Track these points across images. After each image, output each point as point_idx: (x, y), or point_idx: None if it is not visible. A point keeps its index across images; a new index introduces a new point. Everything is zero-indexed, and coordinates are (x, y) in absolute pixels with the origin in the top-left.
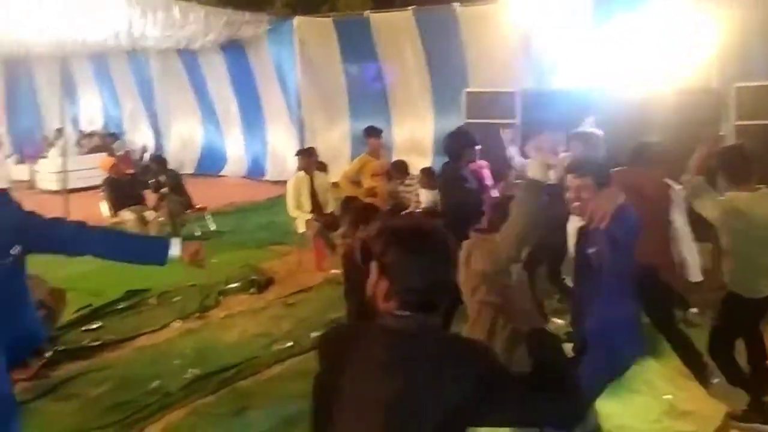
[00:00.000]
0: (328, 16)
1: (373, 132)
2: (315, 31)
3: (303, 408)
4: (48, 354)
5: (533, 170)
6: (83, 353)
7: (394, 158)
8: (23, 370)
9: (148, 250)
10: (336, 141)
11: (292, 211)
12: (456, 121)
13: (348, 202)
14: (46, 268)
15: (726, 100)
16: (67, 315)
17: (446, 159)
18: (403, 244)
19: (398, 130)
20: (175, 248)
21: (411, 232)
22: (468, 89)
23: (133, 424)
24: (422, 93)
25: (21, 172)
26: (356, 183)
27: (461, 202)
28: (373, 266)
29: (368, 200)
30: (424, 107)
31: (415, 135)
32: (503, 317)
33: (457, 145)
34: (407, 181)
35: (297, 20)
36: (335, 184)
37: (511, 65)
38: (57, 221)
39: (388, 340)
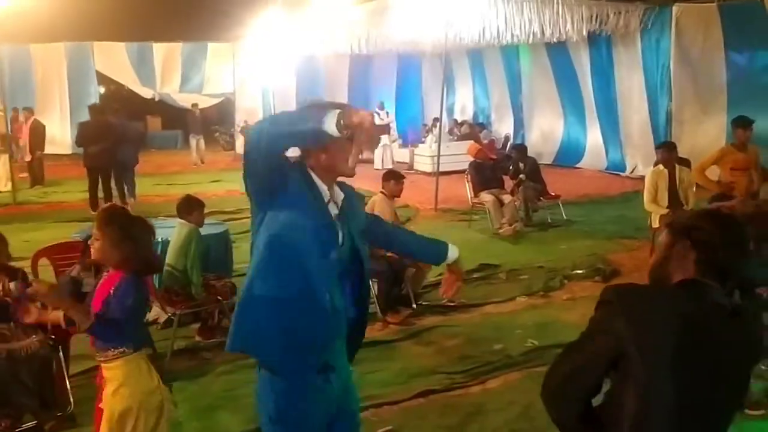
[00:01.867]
0: (713, 2)
1: (741, 122)
2: (696, 19)
3: None
4: (414, 306)
5: None
6: (441, 310)
7: None
8: (395, 315)
9: (432, 250)
10: (709, 135)
11: (647, 205)
12: None
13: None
14: None
15: None
16: (431, 277)
17: None
18: None
19: None
20: (453, 253)
21: None
22: None
23: (477, 375)
24: None
25: (403, 154)
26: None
27: None
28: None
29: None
30: None
31: None
32: None
33: None
34: None
35: (677, 7)
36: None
37: None
38: (378, 219)
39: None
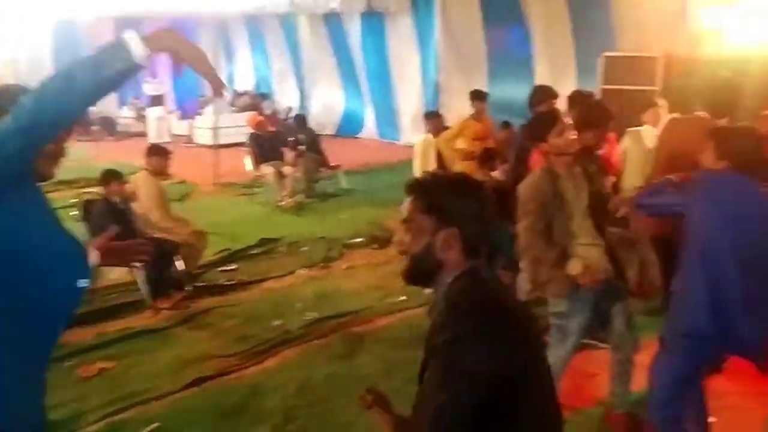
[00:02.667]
0: None
1: (478, 95)
2: None
3: (407, 356)
4: (188, 288)
5: None
6: (218, 290)
7: None
8: (166, 300)
9: None
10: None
11: (418, 172)
12: (594, 88)
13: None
14: (193, 215)
15: None
16: (208, 256)
17: None
18: None
19: None
20: None
21: None
22: (606, 53)
23: (255, 355)
24: (566, 58)
25: (181, 127)
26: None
27: None
28: None
29: (465, 164)
30: (566, 73)
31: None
32: None
33: None
34: None
35: None
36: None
37: (662, 30)
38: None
39: None
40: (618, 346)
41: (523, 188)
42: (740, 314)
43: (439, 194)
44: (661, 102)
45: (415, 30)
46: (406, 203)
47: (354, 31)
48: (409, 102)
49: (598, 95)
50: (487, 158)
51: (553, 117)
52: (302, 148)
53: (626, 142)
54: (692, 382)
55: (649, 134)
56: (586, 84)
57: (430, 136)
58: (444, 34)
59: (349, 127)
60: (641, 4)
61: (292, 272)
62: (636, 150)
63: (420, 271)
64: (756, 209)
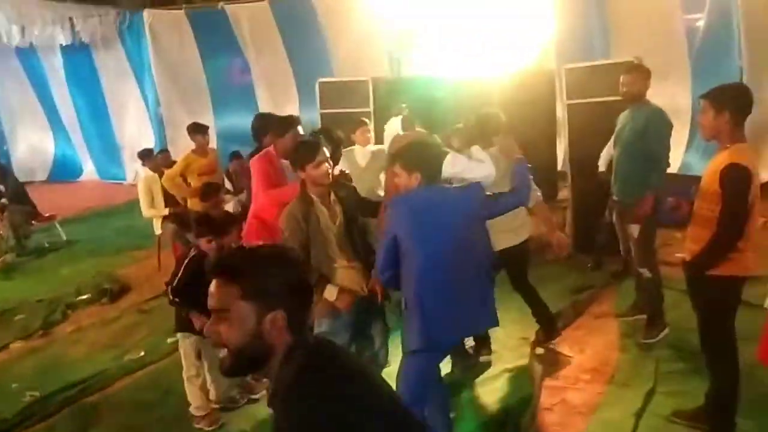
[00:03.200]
0: (181, 8)
1: (197, 129)
2: (168, 24)
3: (152, 417)
4: None
5: None
6: None
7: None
8: None
9: None
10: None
11: (146, 211)
12: (314, 112)
13: (203, 218)
14: None
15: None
16: None
17: None
18: None
19: None
20: None
21: None
22: (321, 79)
23: None
24: (286, 86)
25: None
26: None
27: None
28: None
29: (196, 200)
30: (288, 99)
31: None
32: None
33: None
34: None
35: (147, 13)
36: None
37: (369, 54)
38: None
39: None
40: (373, 360)
41: (282, 218)
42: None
43: (258, 276)
44: (368, 122)
45: (128, 62)
46: (212, 289)
47: (53, 64)
48: (133, 138)
49: (318, 119)
50: (209, 192)
51: (313, 147)
52: (4, 201)
53: (341, 163)
54: (433, 380)
55: (360, 153)
56: (308, 106)
57: (152, 174)
58: (159, 65)
59: (63, 170)
60: (349, 33)
61: (5, 347)
62: (351, 169)
63: (245, 364)
64: (450, 216)
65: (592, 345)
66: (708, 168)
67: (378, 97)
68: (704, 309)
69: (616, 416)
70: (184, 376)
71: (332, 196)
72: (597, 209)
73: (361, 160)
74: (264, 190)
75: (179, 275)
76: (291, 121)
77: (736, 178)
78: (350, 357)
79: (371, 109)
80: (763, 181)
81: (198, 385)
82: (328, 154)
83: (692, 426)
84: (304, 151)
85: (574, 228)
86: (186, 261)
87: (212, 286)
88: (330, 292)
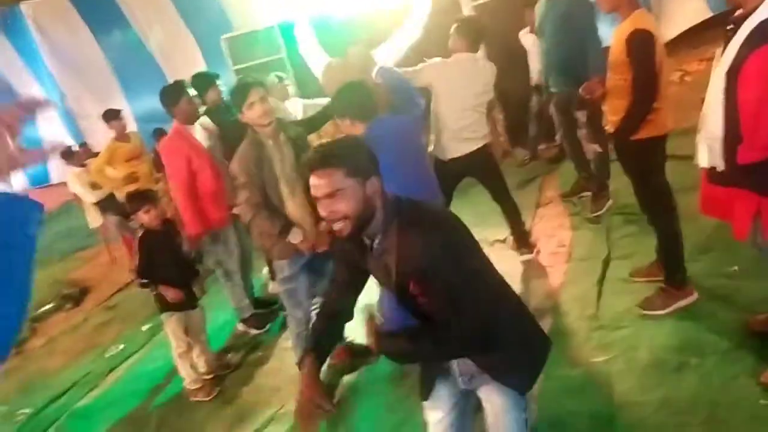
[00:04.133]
0: None
1: (110, 115)
2: (52, 13)
3: (148, 404)
4: None
5: None
6: None
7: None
8: None
9: None
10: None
11: (91, 197)
12: (227, 71)
13: (131, 194)
14: None
15: None
16: None
17: None
18: None
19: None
20: None
21: None
22: (225, 35)
23: None
24: (189, 50)
25: None
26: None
27: None
28: None
29: (131, 187)
30: (195, 64)
31: None
32: None
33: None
34: None
35: (25, 6)
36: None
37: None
38: None
39: None
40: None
41: (233, 164)
42: None
43: (352, 156)
44: (283, 75)
45: (17, 52)
46: (319, 180)
47: None
48: (52, 135)
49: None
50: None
51: (241, 90)
52: None
53: None
54: None
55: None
56: (218, 66)
57: (79, 170)
58: (54, 58)
59: None
60: None
61: None
62: None
63: (362, 225)
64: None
65: (547, 231)
66: (613, 39)
67: (289, 42)
68: (635, 172)
69: (581, 289)
70: (175, 354)
71: (282, 137)
72: (522, 103)
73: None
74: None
75: (138, 257)
76: (177, 86)
77: (640, 44)
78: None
79: (284, 55)
80: (669, 39)
81: (190, 360)
82: (263, 94)
83: (649, 280)
84: (233, 95)
85: (506, 125)
86: (138, 242)
87: (316, 179)
88: (295, 235)
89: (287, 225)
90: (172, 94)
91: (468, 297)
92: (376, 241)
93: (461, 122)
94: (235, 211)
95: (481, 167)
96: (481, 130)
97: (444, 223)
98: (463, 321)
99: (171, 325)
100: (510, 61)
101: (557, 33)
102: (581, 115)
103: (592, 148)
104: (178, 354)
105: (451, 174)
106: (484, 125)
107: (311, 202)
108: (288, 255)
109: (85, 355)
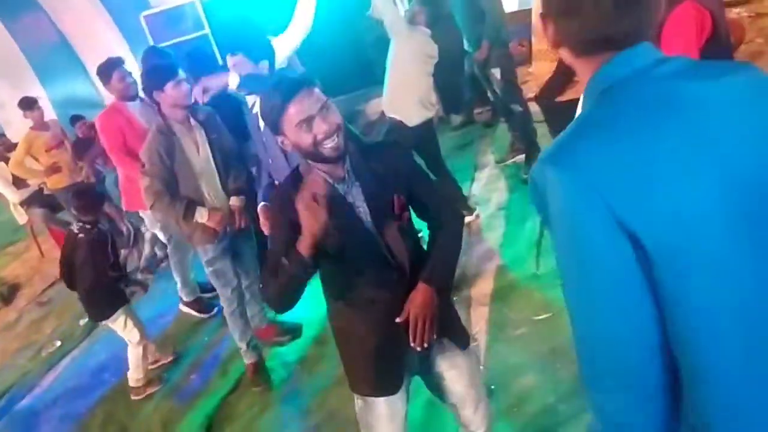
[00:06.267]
0: None
1: (26, 104)
2: None
3: (90, 401)
4: None
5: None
6: None
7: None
8: None
9: None
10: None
11: (11, 196)
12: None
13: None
14: None
15: None
16: None
17: None
18: None
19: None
20: None
21: None
22: (144, 13)
23: None
24: (104, 30)
25: None
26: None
27: None
28: None
29: (54, 177)
30: (114, 44)
31: None
32: None
33: None
34: None
35: None
36: None
37: None
38: None
39: None
40: (247, 280)
41: (143, 152)
42: None
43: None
44: None
45: None
46: (308, 99)
47: None
48: None
49: None
50: (83, 147)
51: (170, 68)
52: None
53: None
54: None
55: None
56: (139, 45)
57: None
58: None
59: None
60: None
61: None
62: None
63: (346, 142)
64: None
65: (484, 194)
66: (535, 3)
67: (213, 18)
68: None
69: (521, 250)
70: (138, 345)
71: (192, 121)
72: (456, 67)
73: None
74: (119, 154)
75: (60, 260)
76: (108, 63)
77: None
78: None
79: (208, 31)
80: None
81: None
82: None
83: None
84: (156, 74)
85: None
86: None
87: (303, 99)
88: (201, 214)
89: (191, 206)
90: (102, 71)
91: (447, 193)
92: (347, 175)
93: (424, 88)
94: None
95: (427, 136)
96: (434, 96)
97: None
98: (456, 210)
99: (127, 317)
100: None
101: (459, 3)
102: (495, 72)
103: (511, 108)
104: (144, 345)
105: (409, 140)
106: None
107: (224, 182)
108: (210, 240)
109: (22, 354)
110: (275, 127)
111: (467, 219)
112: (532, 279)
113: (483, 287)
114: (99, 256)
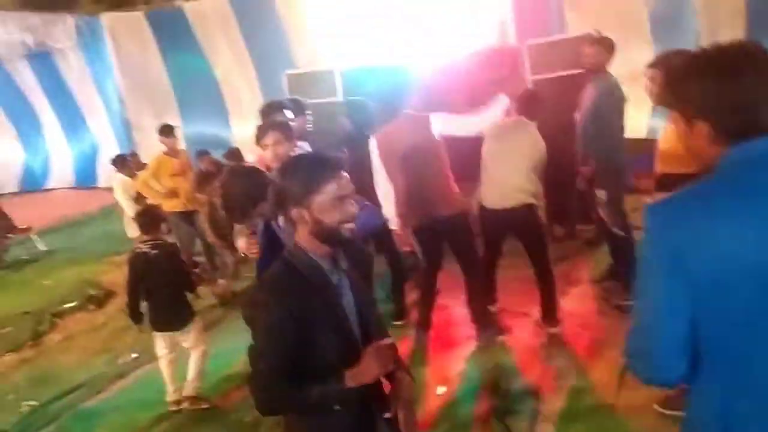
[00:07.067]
0: (139, 9)
1: (166, 130)
2: (127, 27)
3: (149, 415)
4: None
5: None
6: None
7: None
8: None
9: None
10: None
11: (131, 211)
12: None
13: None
14: None
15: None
16: None
17: None
18: None
19: (236, 121)
20: None
21: None
22: (288, 71)
23: None
24: (249, 81)
25: None
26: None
27: None
28: None
29: (171, 201)
30: (253, 96)
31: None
32: None
33: None
34: None
35: (105, 17)
36: None
37: (332, 43)
38: None
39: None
40: None
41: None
42: None
43: None
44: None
45: (89, 67)
46: (346, 178)
47: (20, 74)
48: (100, 143)
49: None
50: (203, 180)
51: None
52: None
53: None
54: None
55: None
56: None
57: (127, 178)
58: (122, 68)
59: (33, 180)
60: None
61: None
62: None
63: None
64: None
65: (572, 310)
66: (666, 131)
67: (346, 87)
68: None
69: (603, 377)
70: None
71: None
72: (568, 179)
73: None
74: None
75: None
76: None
77: None
78: None
79: (341, 99)
80: None
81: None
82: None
83: None
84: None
85: (547, 199)
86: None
87: (343, 178)
88: (240, 243)
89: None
90: (267, 110)
91: None
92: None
93: (506, 177)
94: None
95: (522, 225)
96: (527, 189)
97: None
98: None
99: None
100: (560, 137)
101: (588, 114)
102: (600, 194)
103: (614, 231)
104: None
105: (491, 224)
106: (529, 185)
107: None
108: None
109: (99, 357)
110: (302, 199)
111: (551, 330)
112: (606, 408)
113: (553, 404)
114: (177, 267)
